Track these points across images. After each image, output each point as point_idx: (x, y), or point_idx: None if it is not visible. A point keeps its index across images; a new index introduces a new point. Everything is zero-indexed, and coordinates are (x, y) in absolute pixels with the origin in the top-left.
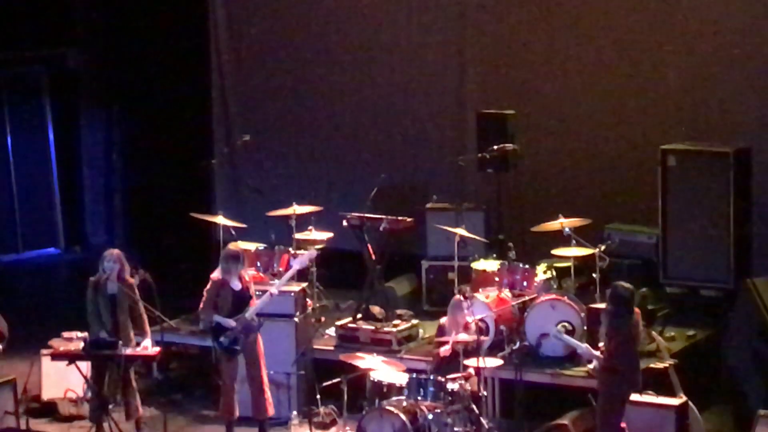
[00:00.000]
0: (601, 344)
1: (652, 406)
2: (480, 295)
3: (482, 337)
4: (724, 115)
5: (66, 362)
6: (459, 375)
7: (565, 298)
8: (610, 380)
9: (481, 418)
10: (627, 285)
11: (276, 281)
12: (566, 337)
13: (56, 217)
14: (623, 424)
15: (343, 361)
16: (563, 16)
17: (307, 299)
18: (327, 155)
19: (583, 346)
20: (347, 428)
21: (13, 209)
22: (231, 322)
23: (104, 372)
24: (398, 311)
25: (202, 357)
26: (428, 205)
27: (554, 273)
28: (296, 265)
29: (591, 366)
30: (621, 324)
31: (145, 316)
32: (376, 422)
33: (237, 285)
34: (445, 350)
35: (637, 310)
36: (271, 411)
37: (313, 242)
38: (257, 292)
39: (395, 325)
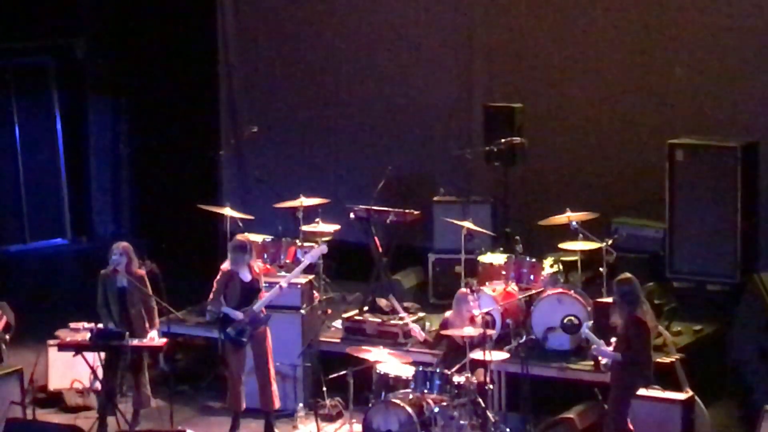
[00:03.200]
0: (612, 339)
1: (658, 401)
2: (487, 289)
3: (489, 331)
4: (731, 109)
5: (73, 353)
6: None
7: (572, 292)
8: (628, 373)
9: (487, 412)
10: (626, 277)
11: (283, 273)
12: (593, 336)
13: (63, 207)
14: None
15: (349, 353)
16: (571, 10)
17: (314, 291)
18: (334, 147)
19: (606, 349)
20: (353, 421)
21: (20, 199)
22: (239, 314)
23: (116, 364)
24: (405, 304)
25: (209, 348)
26: (435, 198)
27: (561, 267)
28: (307, 260)
29: (605, 361)
30: (632, 315)
31: (155, 308)
32: (382, 415)
33: (247, 276)
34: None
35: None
36: (277, 403)
37: (320, 234)
38: (265, 284)
39: (401, 318)
